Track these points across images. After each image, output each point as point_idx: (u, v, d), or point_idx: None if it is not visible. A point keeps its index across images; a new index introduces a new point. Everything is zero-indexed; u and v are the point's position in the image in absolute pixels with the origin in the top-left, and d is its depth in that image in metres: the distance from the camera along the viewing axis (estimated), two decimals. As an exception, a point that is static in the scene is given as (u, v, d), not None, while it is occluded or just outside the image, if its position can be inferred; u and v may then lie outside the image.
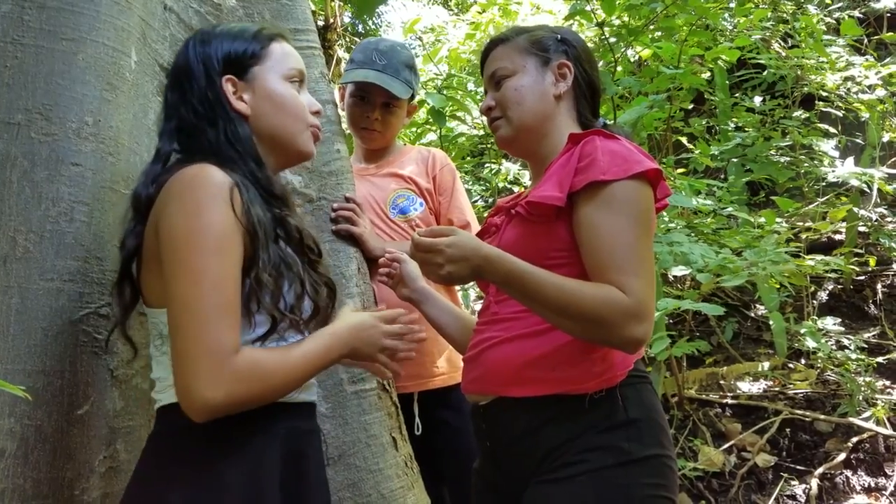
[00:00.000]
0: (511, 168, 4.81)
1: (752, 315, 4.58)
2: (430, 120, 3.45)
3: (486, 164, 5.34)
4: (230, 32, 1.36)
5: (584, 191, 1.36)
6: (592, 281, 1.33)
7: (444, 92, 3.51)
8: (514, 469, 1.42)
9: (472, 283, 2.29)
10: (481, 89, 5.70)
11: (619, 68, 3.27)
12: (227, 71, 1.33)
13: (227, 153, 1.29)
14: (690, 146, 4.49)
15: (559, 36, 1.55)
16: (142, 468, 1.25)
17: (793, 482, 3.14)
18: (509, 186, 5.06)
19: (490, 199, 5.57)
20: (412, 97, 2.28)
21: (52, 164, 1.37)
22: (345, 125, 2.21)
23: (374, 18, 10.79)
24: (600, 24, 3.05)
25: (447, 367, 2.12)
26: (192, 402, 1.14)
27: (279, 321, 1.23)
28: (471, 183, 5.51)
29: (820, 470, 3.13)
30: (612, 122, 3.23)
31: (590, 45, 3.86)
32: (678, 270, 2.54)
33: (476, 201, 5.42)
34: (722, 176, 4.90)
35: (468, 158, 5.30)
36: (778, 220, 3.52)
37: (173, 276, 1.17)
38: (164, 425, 1.26)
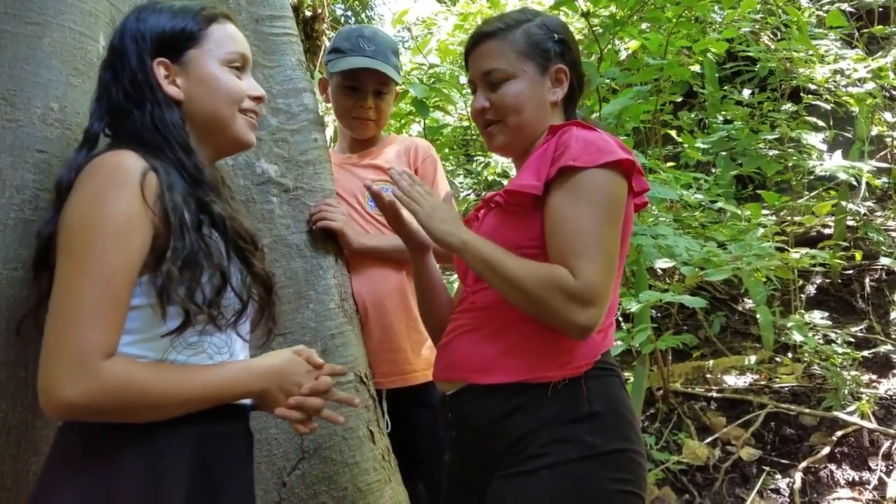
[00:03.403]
0: (500, 160, 4.78)
1: (740, 309, 4.57)
2: (414, 111, 3.41)
3: (475, 158, 5.31)
4: (170, 10, 1.30)
5: (556, 177, 1.35)
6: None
7: (437, 84, 3.47)
8: (479, 460, 1.41)
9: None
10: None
11: (606, 60, 3.25)
12: (160, 52, 1.28)
13: (153, 139, 1.24)
14: (679, 139, 4.47)
15: (556, 37, 1.50)
16: (48, 458, 1.21)
17: (777, 476, 3.14)
18: (499, 179, 5.04)
19: (482, 193, 5.55)
20: (397, 83, 2.25)
21: (16, 150, 1.34)
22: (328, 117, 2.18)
23: (366, 11, 10.76)
24: (585, 15, 3.02)
25: (420, 363, 2.08)
26: (48, 398, 1.08)
27: (193, 314, 1.17)
28: (462, 176, 5.48)
29: (804, 464, 3.12)
30: (598, 113, 3.23)
31: (577, 36, 3.86)
32: (662, 263, 2.52)
33: (467, 195, 5.39)
34: (711, 170, 4.89)
35: (455, 150, 5.26)
36: (766, 213, 3.51)
37: (60, 264, 1.12)
38: None
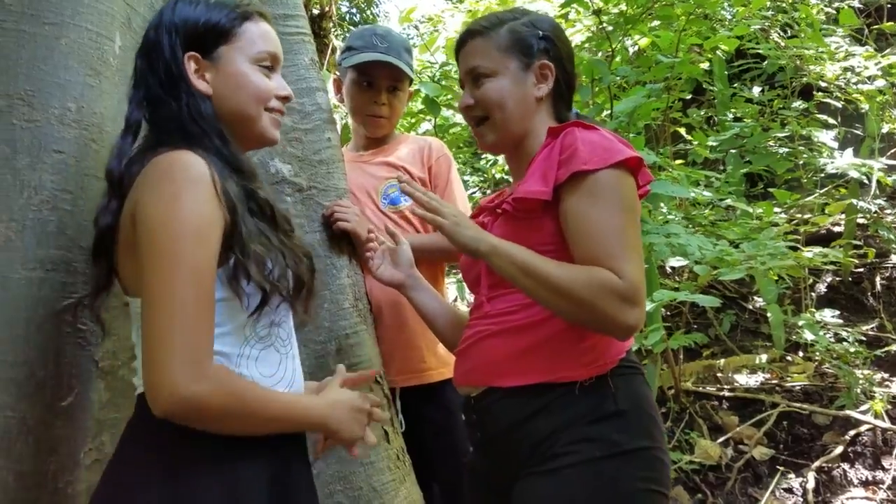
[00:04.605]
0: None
1: (750, 307, 4.56)
2: (425, 109, 3.41)
3: (482, 156, 5.31)
4: (206, 3, 1.31)
5: (568, 182, 1.35)
6: None
7: (442, 82, 3.47)
8: (505, 461, 1.41)
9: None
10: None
11: (617, 58, 3.24)
12: (192, 46, 1.28)
13: (190, 128, 1.25)
14: (689, 137, 4.45)
15: (541, 33, 1.51)
16: (117, 459, 1.21)
17: (790, 475, 3.13)
18: (506, 178, 5.03)
19: (487, 191, 5.54)
20: (410, 82, 2.25)
21: (34, 151, 1.34)
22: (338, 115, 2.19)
23: (371, 8, 10.76)
24: (597, 13, 3.01)
25: (435, 362, 2.08)
26: (162, 394, 1.08)
27: (270, 292, 1.20)
28: (468, 174, 5.47)
29: (817, 463, 3.11)
30: (609, 111, 3.21)
31: (587, 34, 3.84)
32: (675, 261, 2.51)
33: (473, 193, 5.39)
34: (721, 167, 4.87)
35: (463, 147, 5.26)
36: (776, 210, 3.49)
37: (149, 264, 1.13)
38: (143, 411, 1.18)
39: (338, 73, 2.29)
